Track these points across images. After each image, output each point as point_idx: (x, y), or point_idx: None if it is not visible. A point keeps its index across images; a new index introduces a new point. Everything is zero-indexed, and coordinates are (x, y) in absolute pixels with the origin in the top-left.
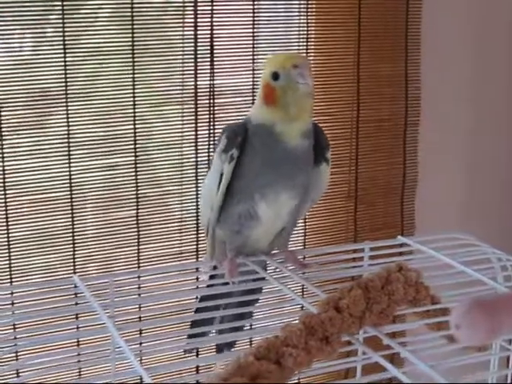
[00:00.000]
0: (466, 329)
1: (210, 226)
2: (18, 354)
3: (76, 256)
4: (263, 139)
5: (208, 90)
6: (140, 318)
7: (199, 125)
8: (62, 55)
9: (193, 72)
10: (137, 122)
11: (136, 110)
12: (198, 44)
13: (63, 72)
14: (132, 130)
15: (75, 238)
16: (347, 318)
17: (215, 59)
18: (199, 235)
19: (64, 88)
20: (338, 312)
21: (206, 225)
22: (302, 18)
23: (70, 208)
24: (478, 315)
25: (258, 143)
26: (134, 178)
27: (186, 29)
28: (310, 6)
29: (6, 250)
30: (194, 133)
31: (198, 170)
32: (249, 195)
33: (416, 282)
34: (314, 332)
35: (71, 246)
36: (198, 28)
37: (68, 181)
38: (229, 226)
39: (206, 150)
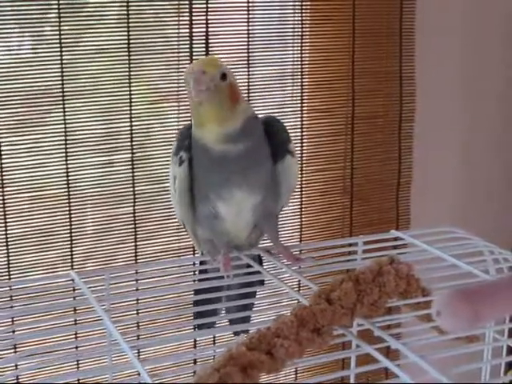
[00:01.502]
0: (448, 316)
1: (188, 225)
2: (17, 347)
3: (74, 253)
4: (196, 143)
5: None
6: (137, 311)
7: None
8: (59, 54)
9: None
10: (133, 119)
11: (132, 108)
12: (194, 42)
13: (60, 71)
14: (128, 128)
15: (73, 234)
16: (338, 310)
17: None
18: None
19: (61, 86)
20: (329, 304)
21: (181, 223)
22: (296, 15)
23: (67, 205)
24: (458, 303)
25: (195, 146)
26: (130, 175)
27: (181, 27)
28: (304, 3)
29: (5, 247)
30: None
31: None
32: (206, 195)
33: (407, 274)
34: (305, 323)
35: (69, 242)
36: (194, 26)
37: (65, 178)
38: (205, 225)
39: None
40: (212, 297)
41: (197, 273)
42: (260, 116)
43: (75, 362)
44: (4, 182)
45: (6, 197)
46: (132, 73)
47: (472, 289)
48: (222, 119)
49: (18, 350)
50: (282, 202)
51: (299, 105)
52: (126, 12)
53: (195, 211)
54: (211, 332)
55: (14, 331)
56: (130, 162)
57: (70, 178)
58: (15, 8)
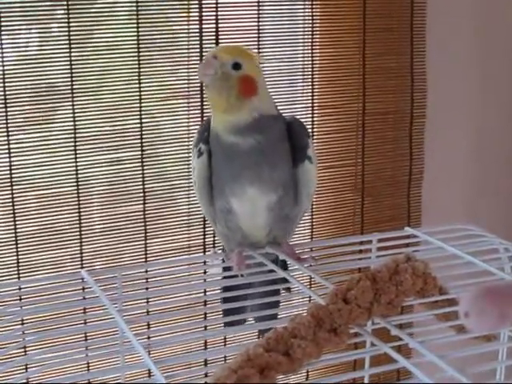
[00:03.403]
0: (476, 316)
1: (209, 219)
2: (26, 348)
3: (83, 251)
4: (211, 132)
5: None
6: (148, 311)
7: (205, 119)
8: (68, 51)
9: (199, 66)
10: (143, 116)
11: (142, 105)
12: (204, 38)
13: (69, 68)
14: (138, 125)
15: (82, 233)
16: (355, 309)
17: None
18: (206, 229)
19: (70, 83)
20: (346, 303)
21: (207, 218)
22: (306, 11)
23: (76, 203)
24: (486, 302)
25: (212, 137)
26: (140, 172)
27: (191, 23)
28: None
29: (14, 246)
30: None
31: None
32: (222, 189)
33: (424, 272)
34: (322, 323)
35: (78, 241)
36: (203, 22)
37: (74, 176)
38: (221, 220)
39: None
40: (234, 295)
41: (207, 271)
42: (286, 116)
43: (85, 363)
44: (13, 179)
45: (14, 195)
46: (141, 70)
47: (498, 287)
48: (227, 108)
49: (27, 351)
50: (301, 208)
51: (310, 101)
52: (135, 8)
53: (215, 205)
54: (225, 331)
55: (23, 332)
56: (139, 160)
57: (79, 175)
58: (24, 4)
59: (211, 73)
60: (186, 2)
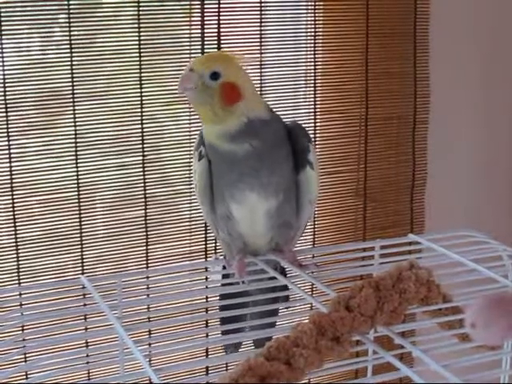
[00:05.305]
0: (482, 327)
1: (211, 226)
2: (27, 355)
3: (84, 257)
4: (205, 140)
5: None
6: (149, 318)
7: None
8: (69, 56)
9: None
10: (144, 121)
11: (143, 110)
12: (206, 43)
13: (70, 72)
14: (140, 130)
15: (83, 238)
16: (358, 318)
17: None
18: (208, 235)
19: (71, 88)
20: (348, 311)
21: (209, 224)
22: (309, 15)
23: (78, 208)
24: (494, 313)
25: (206, 144)
26: (142, 177)
27: (193, 27)
28: (317, 3)
29: (14, 251)
30: None
31: None
32: (222, 194)
33: (427, 280)
34: (324, 332)
35: (79, 246)
36: (205, 27)
37: (76, 181)
38: (222, 226)
39: None
40: (233, 303)
41: (209, 278)
42: (287, 121)
43: (86, 370)
44: (14, 185)
45: (15, 200)
46: (143, 74)
47: (505, 297)
48: (214, 119)
49: (28, 358)
50: (303, 215)
51: (312, 106)
52: (136, 13)
53: (216, 211)
54: (224, 340)
55: (24, 339)
56: (141, 165)
57: (80, 181)
58: (25, 9)
59: (191, 86)
60: (187, 7)
